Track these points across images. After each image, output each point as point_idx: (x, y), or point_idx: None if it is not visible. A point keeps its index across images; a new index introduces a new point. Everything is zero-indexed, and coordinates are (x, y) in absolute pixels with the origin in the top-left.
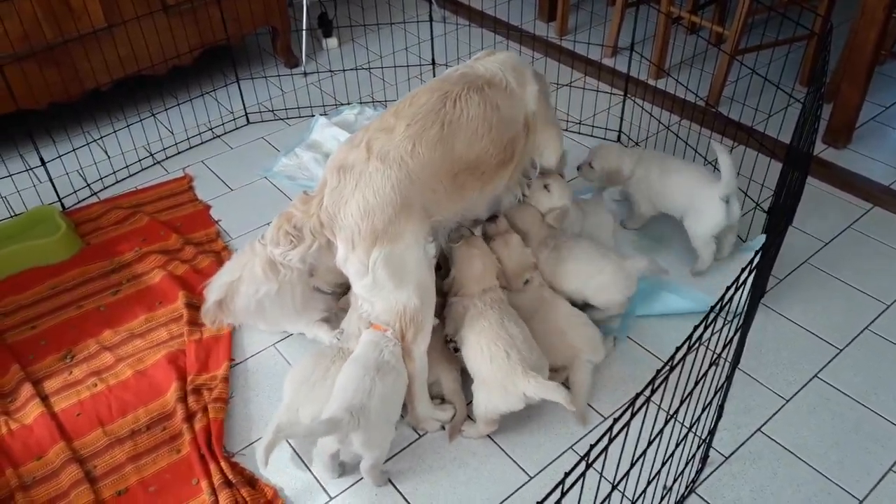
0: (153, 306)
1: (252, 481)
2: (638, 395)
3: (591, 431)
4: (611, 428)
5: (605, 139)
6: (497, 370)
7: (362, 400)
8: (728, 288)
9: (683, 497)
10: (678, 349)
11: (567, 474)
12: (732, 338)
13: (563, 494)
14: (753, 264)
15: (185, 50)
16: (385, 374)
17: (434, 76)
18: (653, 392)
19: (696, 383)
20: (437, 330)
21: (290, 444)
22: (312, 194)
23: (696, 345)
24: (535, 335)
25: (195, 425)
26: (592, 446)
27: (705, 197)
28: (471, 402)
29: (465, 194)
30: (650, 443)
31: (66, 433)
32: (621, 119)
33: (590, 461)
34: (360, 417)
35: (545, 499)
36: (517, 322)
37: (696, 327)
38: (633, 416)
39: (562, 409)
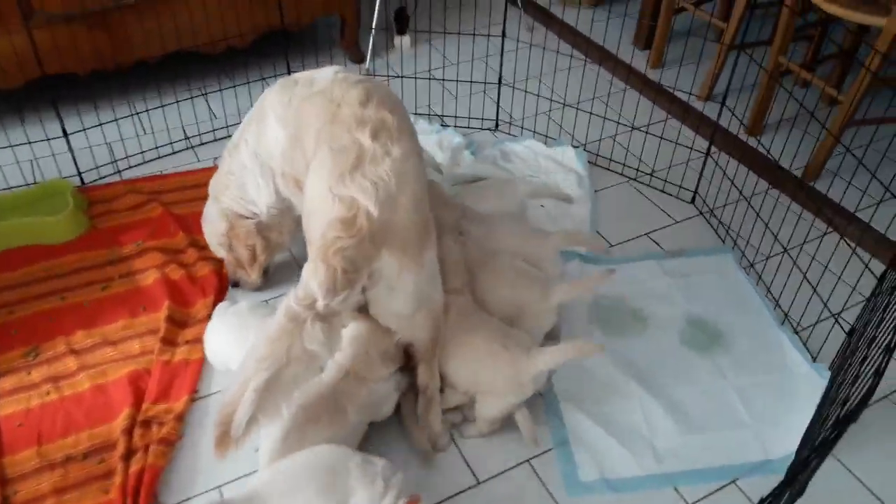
0: (136, 311)
1: None
2: None
3: None
4: None
5: (676, 197)
6: (504, 368)
7: None
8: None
9: None
10: None
11: None
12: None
13: None
14: (811, 466)
15: (245, 30)
16: None
17: (499, 95)
18: None
19: None
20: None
21: None
22: (346, 214)
23: None
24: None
25: (131, 466)
26: None
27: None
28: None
29: None
30: None
31: (1, 446)
32: (700, 175)
33: None
34: None
35: None
36: (486, 314)
37: None
38: None
39: None
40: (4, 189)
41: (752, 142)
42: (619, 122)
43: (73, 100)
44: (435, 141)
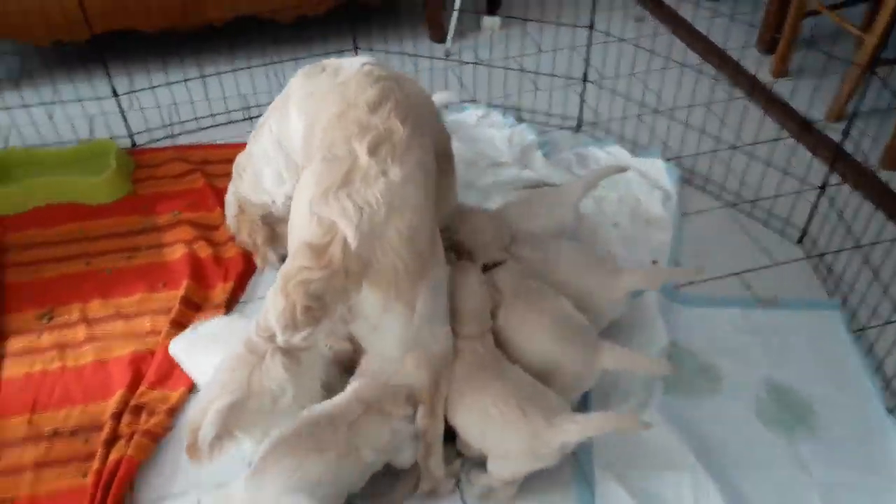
0: (156, 286)
1: None
2: None
3: None
4: None
5: (781, 233)
6: (519, 434)
7: None
8: None
9: None
10: None
11: None
12: None
13: None
14: None
15: None
16: None
17: (583, 92)
18: None
19: None
20: None
21: None
22: (320, 241)
23: None
24: None
25: (111, 454)
26: None
27: None
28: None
29: None
30: None
31: None
32: (813, 210)
33: None
34: None
35: None
36: (510, 364)
37: None
38: None
39: None
40: (56, 143)
41: (885, 178)
42: (719, 138)
43: (129, 61)
44: (505, 136)
